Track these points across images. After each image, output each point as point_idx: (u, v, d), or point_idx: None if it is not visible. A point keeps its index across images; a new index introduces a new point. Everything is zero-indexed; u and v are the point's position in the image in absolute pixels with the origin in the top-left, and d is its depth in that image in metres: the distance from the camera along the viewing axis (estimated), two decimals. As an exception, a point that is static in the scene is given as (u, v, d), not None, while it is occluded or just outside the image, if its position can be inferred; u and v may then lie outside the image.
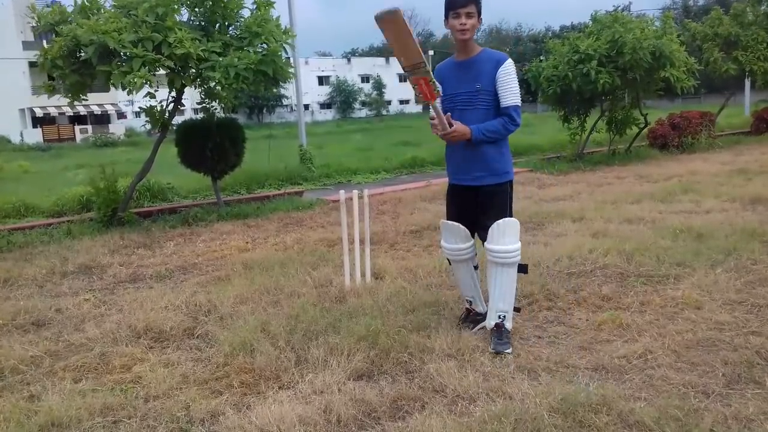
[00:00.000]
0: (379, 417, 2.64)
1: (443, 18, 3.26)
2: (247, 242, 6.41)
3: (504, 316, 3.30)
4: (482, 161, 3.27)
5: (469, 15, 3.16)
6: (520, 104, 3.24)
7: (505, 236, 3.24)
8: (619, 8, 12.85)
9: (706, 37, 14.43)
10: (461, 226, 3.43)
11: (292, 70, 7.48)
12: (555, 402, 2.59)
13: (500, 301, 3.30)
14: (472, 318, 3.61)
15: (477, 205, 3.36)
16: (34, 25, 6.93)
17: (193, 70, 6.85)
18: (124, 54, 6.38)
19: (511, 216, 3.32)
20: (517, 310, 3.46)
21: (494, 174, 3.29)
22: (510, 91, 3.19)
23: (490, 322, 3.32)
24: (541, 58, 12.40)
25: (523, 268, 3.38)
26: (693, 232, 5.36)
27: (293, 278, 4.67)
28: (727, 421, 2.44)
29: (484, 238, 3.34)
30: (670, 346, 3.17)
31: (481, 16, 3.23)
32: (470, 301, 3.62)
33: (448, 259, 3.66)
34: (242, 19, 7.20)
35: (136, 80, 6.19)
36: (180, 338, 3.68)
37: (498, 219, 3.25)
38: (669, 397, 2.63)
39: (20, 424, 2.67)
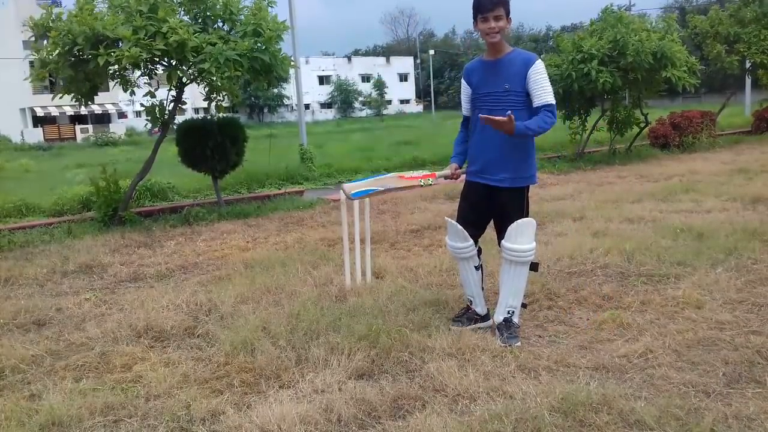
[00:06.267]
0: (380, 416, 2.64)
1: (472, 21, 3.27)
2: (247, 241, 6.41)
3: (512, 312, 3.39)
4: (511, 163, 3.29)
5: (497, 18, 3.16)
6: (554, 102, 3.23)
7: (522, 236, 3.29)
8: (623, 8, 12.83)
9: (707, 34, 14.43)
10: (458, 226, 3.47)
11: (291, 62, 7.47)
12: (555, 401, 2.59)
13: (510, 296, 3.38)
14: (469, 315, 3.63)
15: (497, 204, 3.39)
16: (31, 33, 6.91)
17: (192, 66, 6.86)
18: (116, 41, 6.36)
19: (527, 216, 3.35)
20: (524, 305, 3.51)
21: (519, 177, 3.31)
22: (543, 90, 3.19)
23: (499, 317, 3.40)
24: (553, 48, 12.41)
25: (535, 266, 3.42)
26: (694, 232, 5.35)
27: (294, 277, 4.67)
28: (728, 420, 2.44)
29: (501, 237, 3.38)
30: (670, 345, 3.17)
31: (510, 16, 3.22)
32: (470, 300, 3.63)
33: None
34: (241, 17, 7.21)
35: (125, 60, 6.14)
36: (181, 337, 3.68)
37: (517, 219, 3.29)
38: (670, 396, 2.63)
39: (21, 423, 2.68)
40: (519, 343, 3.29)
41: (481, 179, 3.40)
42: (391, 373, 3.03)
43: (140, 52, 6.24)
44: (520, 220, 3.28)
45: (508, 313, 3.38)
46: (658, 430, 2.38)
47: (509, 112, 3.08)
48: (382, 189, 3.47)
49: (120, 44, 6.38)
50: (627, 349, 3.13)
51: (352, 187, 3.47)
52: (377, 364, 3.11)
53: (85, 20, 6.23)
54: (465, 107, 3.53)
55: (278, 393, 2.88)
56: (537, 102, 3.21)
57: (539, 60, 3.23)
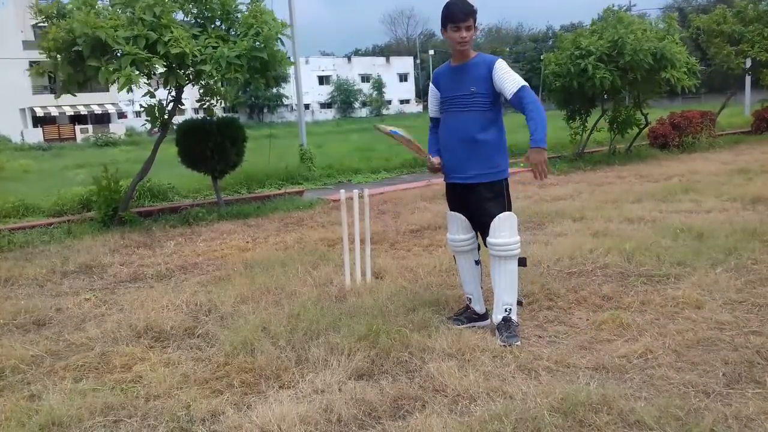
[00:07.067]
0: (380, 416, 2.64)
1: (440, 27, 3.40)
2: (247, 242, 6.41)
3: (510, 309, 3.41)
4: (480, 160, 3.38)
5: (468, 28, 3.31)
6: (525, 83, 3.31)
7: (505, 229, 3.36)
8: (623, 8, 12.84)
9: (712, 33, 14.43)
10: (461, 215, 3.56)
11: (290, 62, 7.49)
12: (555, 401, 2.59)
13: (504, 293, 3.40)
14: (468, 315, 3.67)
15: (475, 201, 3.45)
16: (33, 18, 6.94)
17: (191, 69, 6.86)
18: (116, 51, 6.38)
19: (510, 210, 3.42)
20: (519, 303, 3.53)
21: (491, 172, 3.40)
22: (511, 80, 3.30)
23: (497, 316, 3.42)
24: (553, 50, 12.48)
25: (522, 261, 3.48)
26: (693, 232, 5.36)
27: (294, 278, 4.67)
28: (728, 420, 2.44)
29: (485, 234, 3.43)
30: (670, 345, 3.17)
31: (476, 25, 3.38)
32: (470, 299, 3.67)
33: (453, 256, 3.76)
34: (239, 16, 7.21)
35: (121, 79, 6.19)
36: (180, 338, 3.68)
37: (498, 214, 3.36)
38: (669, 396, 2.63)
39: (21, 423, 2.67)
40: (519, 342, 3.30)
41: (455, 179, 3.51)
42: (391, 373, 3.03)
43: (138, 73, 6.27)
44: (500, 215, 3.35)
45: (506, 311, 3.40)
46: (658, 431, 2.38)
47: (537, 146, 3.19)
48: (407, 138, 3.58)
49: (121, 51, 6.38)
50: (627, 350, 3.13)
51: (387, 127, 3.62)
52: (377, 365, 3.11)
53: (88, 23, 6.20)
54: (434, 110, 3.65)
55: (278, 393, 2.88)
56: (511, 90, 3.27)
57: (500, 60, 3.38)
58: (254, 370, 3.10)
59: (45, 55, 6.70)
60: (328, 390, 2.85)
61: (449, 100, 3.47)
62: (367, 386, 2.88)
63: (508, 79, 3.29)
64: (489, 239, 3.40)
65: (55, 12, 6.74)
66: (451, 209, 3.63)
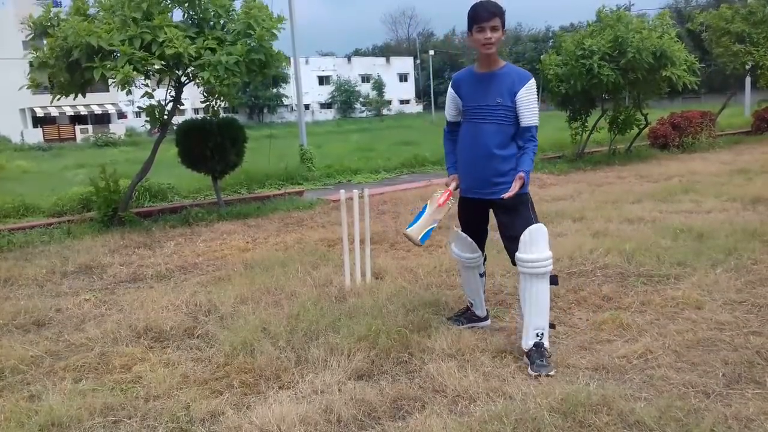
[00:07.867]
0: (380, 417, 2.64)
1: (467, 31, 3.20)
2: (247, 242, 6.41)
3: (542, 334, 3.08)
4: (501, 175, 3.18)
5: (494, 29, 3.08)
6: (538, 124, 3.21)
7: (537, 244, 3.08)
8: (622, 8, 12.86)
9: (717, 31, 14.41)
10: (468, 238, 3.42)
11: (286, 58, 7.50)
12: (555, 402, 2.59)
13: (536, 316, 3.09)
14: (468, 315, 3.65)
15: (498, 216, 3.26)
16: (29, 32, 6.96)
17: (190, 68, 6.85)
18: (112, 53, 6.38)
19: (537, 222, 3.17)
20: (551, 326, 3.21)
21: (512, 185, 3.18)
22: (532, 111, 3.16)
23: (528, 342, 3.08)
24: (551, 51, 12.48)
25: (554, 279, 3.18)
26: (693, 232, 5.36)
27: (293, 278, 4.67)
28: (728, 420, 2.44)
29: (513, 249, 3.16)
30: (670, 346, 3.17)
31: (505, 28, 3.16)
32: (471, 303, 3.65)
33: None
34: (234, 13, 7.20)
35: (118, 76, 6.19)
36: (180, 338, 3.68)
37: (527, 227, 3.10)
38: (669, 396, 2.63)
39: (20, 423, 2.67)
40: (553, 372, 2.95)
41: (475, 194, 3.30)
42: (391, 373, 3.03)
43: (134, 71, 6.27)
44: (531, 227, 3.08)
45: (537, 336, 3.06)
46: (658, 431, 2.38)
47: (521, 172, 3.13)
48: (436, 224, 3.39)
49: (117, 52, 6.37)
50: (627, 350, 3.13)
51: (415, 232, 3.38)
52: (377, 365, 3.11)
53: (80, 32, 6.21)
54: (452, 114, 3.44)
55: (278, 394, 2.88)
56: (525, 122, 3.16)
57: (533, 79, 3.19)
58: (254, 370, 3.10)
59: (38, 64, 6.72)
60: (327, 390, 2.85)
61: (471, 109, 3.24)
62: (367, 386, 2.88)
63: (532, 108, 3.15)
64: (519, 255, 3.10)
65: (48, 22, 6.74)
66: (463, 228, 3.45)
